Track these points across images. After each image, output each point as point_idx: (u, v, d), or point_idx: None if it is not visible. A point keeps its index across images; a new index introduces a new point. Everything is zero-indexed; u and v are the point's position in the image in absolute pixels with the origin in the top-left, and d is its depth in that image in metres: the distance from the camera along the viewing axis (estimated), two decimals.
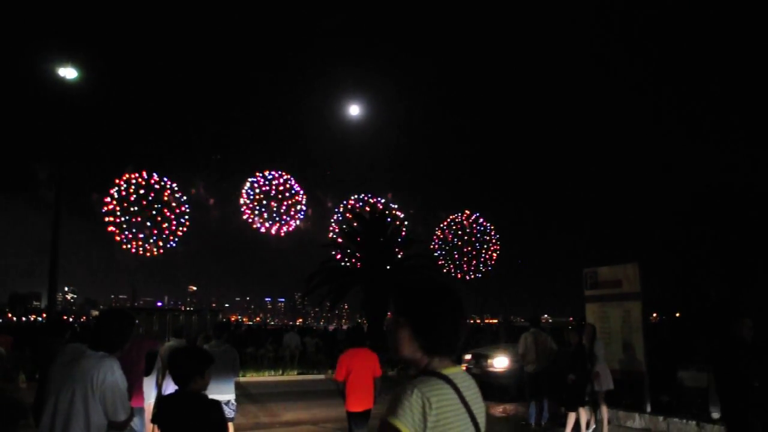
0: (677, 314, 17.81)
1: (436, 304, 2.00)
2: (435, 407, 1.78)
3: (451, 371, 1.92)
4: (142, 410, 6.02)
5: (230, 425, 7.33)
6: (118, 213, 32.79)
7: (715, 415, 9.44)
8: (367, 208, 34.15)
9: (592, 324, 10.38)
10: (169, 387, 8.36)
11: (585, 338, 9.69)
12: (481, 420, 1.93)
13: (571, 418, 9.50)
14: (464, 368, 2.05)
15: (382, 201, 37.19)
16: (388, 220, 33.07)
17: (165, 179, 34.10)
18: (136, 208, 33.21)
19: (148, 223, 34.16)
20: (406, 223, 35.77)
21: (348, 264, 32.48)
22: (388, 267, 31.02)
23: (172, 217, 34.29)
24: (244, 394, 14.11)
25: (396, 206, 35.98)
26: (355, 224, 33.44)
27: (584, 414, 9.59)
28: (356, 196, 39.31)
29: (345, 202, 39.78)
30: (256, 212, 36.60)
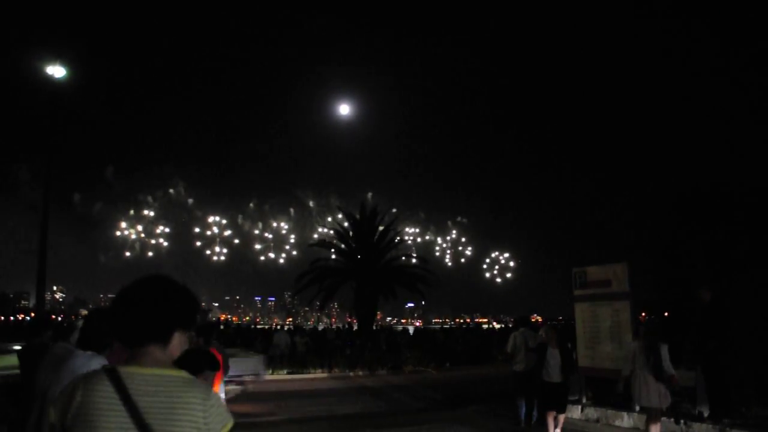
0: (666, 314, 17.94)
1: (127, 285, 1.99)
2: (80, 400, 1.80)
3: (130, 370, 1.86)
4: None
5: None
6: None
7: (704, 413, 9.50)
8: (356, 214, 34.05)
9: (647, 325, 9.17)
10: None
11: (639, 339, 8.58)
12: (161, 425, 1.79)
13: (561, 419, 9.54)
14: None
15: (371, 200, 37.26)
16: (378, 219, 33.06)
17: None
18: None
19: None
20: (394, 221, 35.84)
21: (337, 263, 32.48)
22: (377, 266, 31.05)
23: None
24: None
25: (386, 206, 36.00)
26: (345, 224, 33.47)
27: (551, 416, 9.53)
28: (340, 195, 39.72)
29: (330, 201, 40.04)
30: None
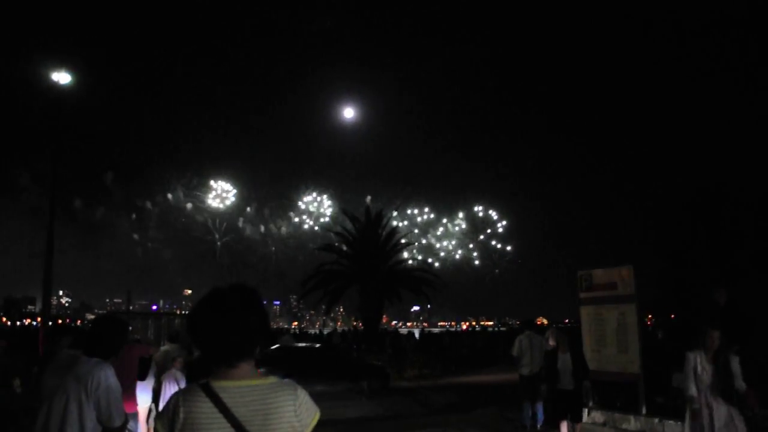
0: (672, 316, 17.90)
1: (196, 307, 2.05)
2: (183, 416, 1.92)
3: (223, 384, 1.97)
4: (135, 415, 6.01)
5: None
6: None
7: None
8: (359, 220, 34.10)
9: (717, 331, 6.70)
10: (168, 389, 8.36)
11: (708, 350, 6.56)
12: (259, 431, 1.93)
13: (578, 428, 8.88)
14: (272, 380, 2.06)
15: (370, 204, 37.39)
16: (383, 223, 33.08)
17: None
18: None
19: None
20: (400, 225, 35.90)
21: (343, 267, 32.48)
22: (382, 270, 31.05)
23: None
24: None
25: (390, 209, 36.08)
26: (350, 228, 33.45)
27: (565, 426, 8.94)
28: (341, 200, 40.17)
29: (335, 204, 40.41)
30: None
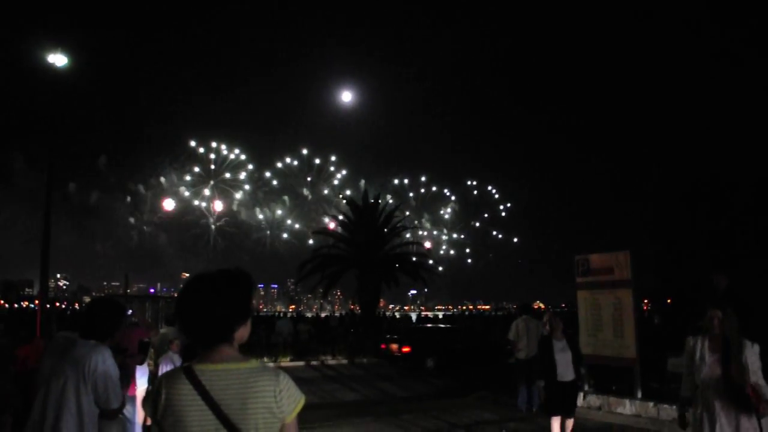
0: (668, 301, 17.97)
1: (181, 290, 2.11)
2: (165, 397, 1.97)
3: (202, 367, 2.00)
4: (133, 398, 6.02)
5: None
6: None
7: None
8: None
9: (718, 310, 5.07)
10: (164, 371, 8.38)
11: (712, 336, 4.99)
12: (237, 415, 1.94)
13: (569, 424, 7.85)
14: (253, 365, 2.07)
15: (364, 187, 37.47)
16: (381, 206, 33.07)
17: None
18: None
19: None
20: (397, 208, 35.94)
21: (340, 251, 32.52)
22: (380, 254, 31.08)
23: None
24: None
25: (386, 192, 36.10)
26: (347, 211, 33.48)
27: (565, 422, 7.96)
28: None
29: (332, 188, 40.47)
30: None
